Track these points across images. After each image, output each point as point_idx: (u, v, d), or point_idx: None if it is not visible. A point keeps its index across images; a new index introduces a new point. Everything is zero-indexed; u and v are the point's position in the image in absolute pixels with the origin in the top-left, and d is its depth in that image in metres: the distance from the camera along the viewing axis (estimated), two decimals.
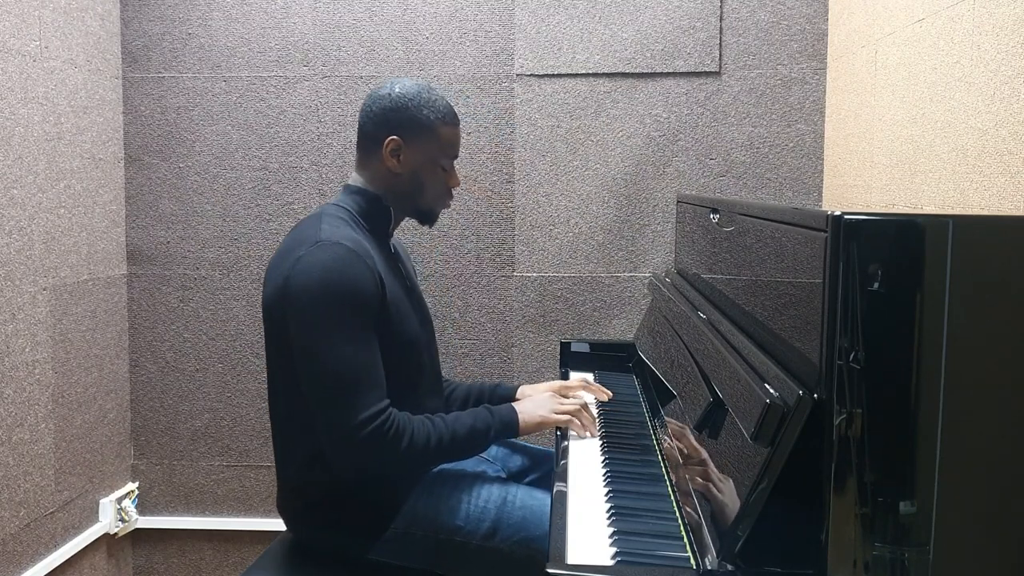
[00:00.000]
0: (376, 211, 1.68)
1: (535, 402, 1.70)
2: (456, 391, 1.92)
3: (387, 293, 1.56)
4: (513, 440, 1.99)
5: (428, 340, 1.76)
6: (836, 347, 1.01)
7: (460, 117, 2.47)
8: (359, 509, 1.59)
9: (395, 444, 1.48)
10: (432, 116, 1.64)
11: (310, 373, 1.49)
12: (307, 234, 1.56)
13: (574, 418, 1.68)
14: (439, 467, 1.71)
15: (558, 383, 1.88)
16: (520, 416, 1.64)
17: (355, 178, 1.70)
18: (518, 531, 1.57)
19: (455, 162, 1.73)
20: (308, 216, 1.67)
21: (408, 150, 1.64)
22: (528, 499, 1.61)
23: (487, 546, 1.57)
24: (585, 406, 1.72)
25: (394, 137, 1.63)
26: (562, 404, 1.70)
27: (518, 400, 1.78)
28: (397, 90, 1.65)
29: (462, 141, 2.48)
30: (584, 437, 1.67)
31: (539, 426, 1.67)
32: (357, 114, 2.50)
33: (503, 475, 1.83)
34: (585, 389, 1.87)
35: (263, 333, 1.65)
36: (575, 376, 2.16)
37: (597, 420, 1.75)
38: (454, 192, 1.75)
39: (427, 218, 1.74)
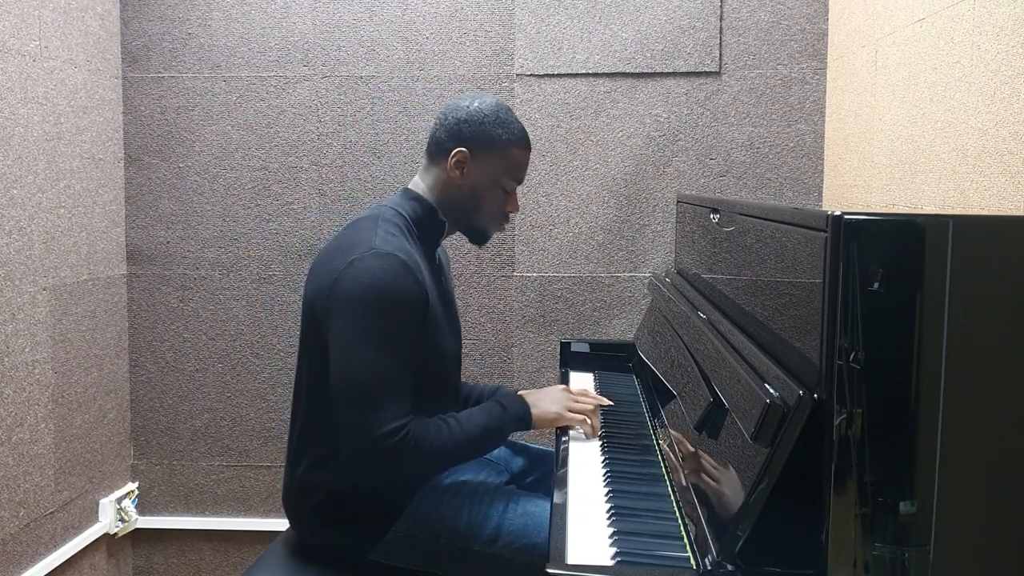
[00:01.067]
0: (430, 221, 1.66)
1: (549, 397, 1.69)
2: (465, 392, 1.92)
3: (430, 307, 1.56)
4: (513, 440, 1.99)
5: (457, 353, 1.77)
6: (836, 347, 1.01)
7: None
8: (362, 510, 1.59)
9: (413, 455, 1.47)
10: (505, 136, 1.63)
11: (340, 376, 1.48)
12: (363, 237, 1.54)
13: (588, 419, 1.68)
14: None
15: (562, 386, 1.88)
16: (534, 410, 1.64)
17: (416, 183, 1.69)
18: (520, 538, 1.56)
19: (518, 188, 1.72)
20: (364, 216, 1.64)
21: (473, 164, 1.63)
22: (530, 506, 1.61)
23: (488, 552, 1.57)
24: (597, 408, 1.72)
25: (462, 149, 1.62)
26: (577, 403, 1.69)
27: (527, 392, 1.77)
28: (476, 104, 1.64)
29: None
30: (591, 438, 1.67)
31: (553, 422, 1.66)
32: (357, 114, 2.52)
33: (507, 476, 1.82)
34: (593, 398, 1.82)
35: (300, 325, 1.64)
36: (575, 376, 2.16)
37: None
38: (510, 217, 1.75)
39: (478, 237, 1.73)
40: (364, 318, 1.47)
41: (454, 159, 1.62)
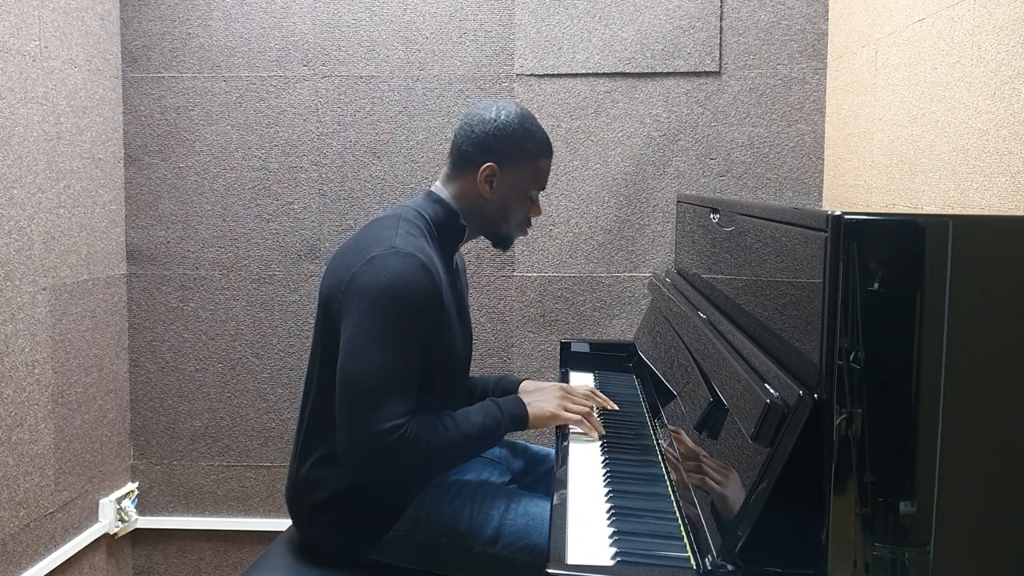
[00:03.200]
0: (452, 226, 1.67)
1: (545, 396, 1.69)
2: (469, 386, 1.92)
3: (445, 309, 1.56)
4: (513, 440, 1.99)
5: (467, 357, 1.77)
6: (836, 347, 1.01)
7: (460, 117, 2.49)
8: (364, 509, 1.59)
9: (409, 453, 1.47)
10: (533, 148, 1.65)
11: (345, 372, 1.48)
12: (383, 235, 1.55)
13: (585, 420, 1.68)
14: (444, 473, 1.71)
15: (560, 384, 1.88)
16: (530, 409, 1.64)
17: (439, 188, 1.69)
18: (520, 538, 1.56)
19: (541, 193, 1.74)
20: (386, 215, 1.65)
21: (502, 178, 1.64)
22: (531, 507, 1.61)
23: (489, 552, 1.57)
24: (592, 409, 1.72)
25: (492, 164, 1.63)
26: (575, 403, 1.69)
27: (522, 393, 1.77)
28: (503, 117, 1.64)
29: None
30: (591, 439, 1.67)
31: (549, 421, 1.66)
32: (357, 114, 2.52)
33: (508, 477, 1.82)
34: (591, 398, 1.81)
35: (315, 321, 1.65)
36: (575, 376, 2.16)
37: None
38: (533, 221, 1.76)
39: (503, 243, 1.74)
40: (378, 315, 1.47)
41: (484, 174, 1.63)
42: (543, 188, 1.72)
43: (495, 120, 1.63)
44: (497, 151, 1.63)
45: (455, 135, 1.67)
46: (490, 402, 1.62)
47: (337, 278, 1.55)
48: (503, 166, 1.63)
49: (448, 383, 1.67)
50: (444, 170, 1.70)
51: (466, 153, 1.65)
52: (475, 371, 2.55)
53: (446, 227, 1.66)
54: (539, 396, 1.69)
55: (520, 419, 1.63)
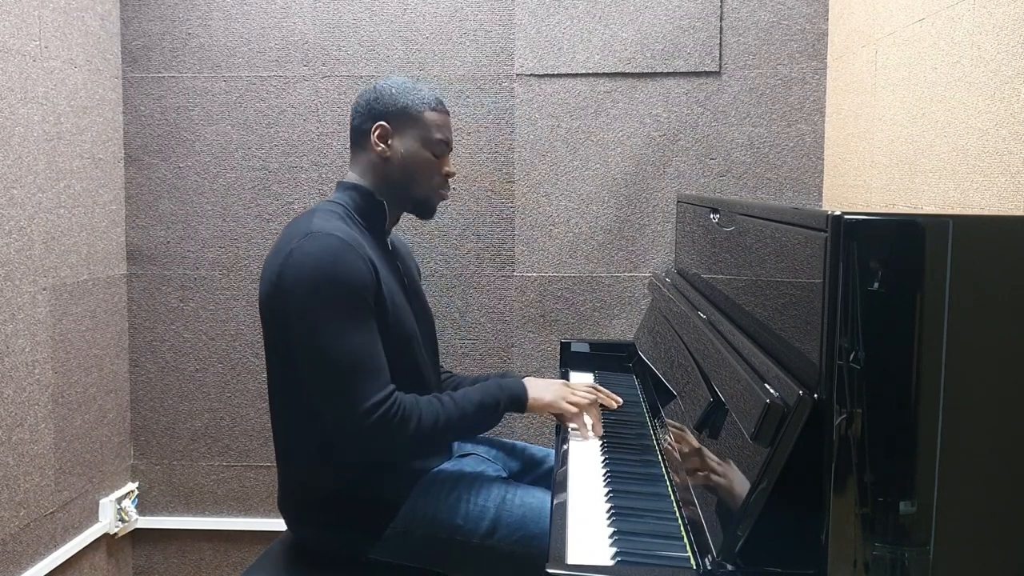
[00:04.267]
0: (370, 206, 1.68)
1: (547, 384, 1.70)
2: (461, 384, 1.92)
3: (382, 286, 1.56)
4: (512, 441, 1.99)
5: (426, 336, 1.76)
6: (836, 347, 1.01)
7: (460, 117, 2.49)
8: (359, 508, 1.59)
9: (403, 428, 1.48)
10: (417, 102, 1.67)
11: (311, 364, 1.49)
12: (298, 228, 1.57)
13: (583, 412, 1.68)
14: (439, 467, 1.71)
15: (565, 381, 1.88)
16: (530, 391, 1.65)
17: (349, 176, 1.72)
18: (518, 529, 1.57)
19: (450, 155, 1.74)
20: (302, 214, 1.67)
21: (396, 136, 1.66)
22: (528, 497, 1.61)
23: (487, 544, 1.57)
24: (594, 403, 1.72)
25: (381, 123, 1.66)
26: (575, 395, 1.70)
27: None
28: (381, 83, 1.69)
29: (463, 141, 2.50)
30: (588, 437, 1.67)
31: (547, 407, 1.67)
32: None
33: (503, 474, 1.83)
34: (593, 392, 1.81)
35: (261, 332, 1.65)
36: (575, 376, 2.16)
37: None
38: (451, 183, 1.76)
39: (423, 210, 1.73)
40: (317, 301, 1.48)
41: (376, 134, 1.66)
42: (448, 144, 1.71)
43: (374, 87, 1.69)
44: (382, 111, 1.66)
45: (349, 122, 1.72)
46: (492, 382, 1.65)
47: (268, 281, 1.56)
48: (393, 124, 1.66)
49: (410, 365, 1.66)
50: (350, 158, 1.73)
51: (357, 126, 1.69)
52: (475, 371, 2.55)
53: (366, 210, 1.68)
54: (541, 383, 1.70)
55: (519, 400, 1.64)
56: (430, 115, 1.67)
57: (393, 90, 1.67)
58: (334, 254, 1.49)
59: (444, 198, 1.75)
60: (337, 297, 1.48)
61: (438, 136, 1.68)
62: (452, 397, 1.57)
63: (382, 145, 1.66)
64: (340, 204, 1.65)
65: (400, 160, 1.67)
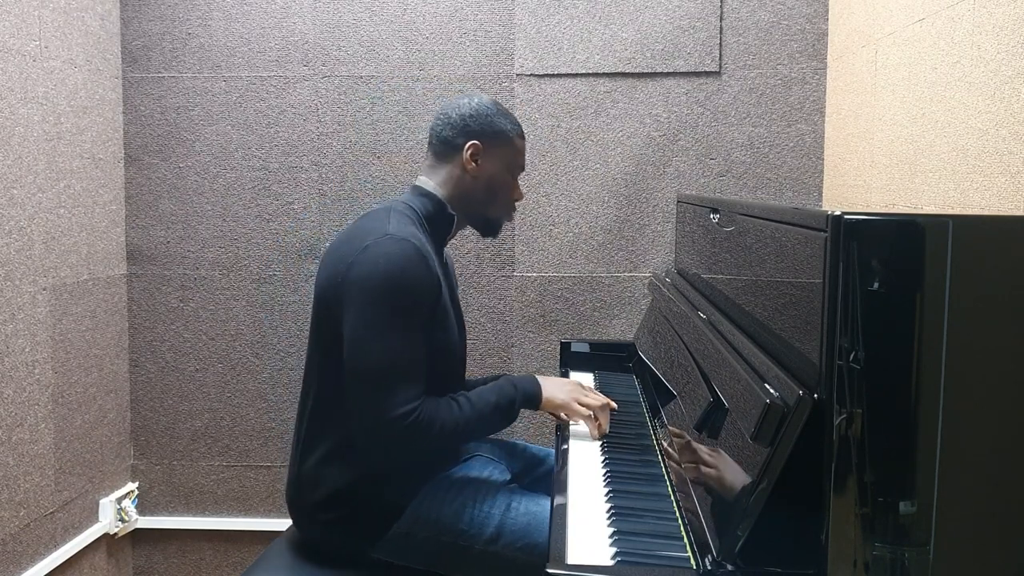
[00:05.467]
0: (440, 216, 1.70)
1: (560, 384, 1.71)
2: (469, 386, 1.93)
3: (441, 297, 1.58)
4: (513, 441, 1.99)
5: (463, 354, 1.79)
6: (836, 347, 1.01)
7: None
8: (365, 507, 1.59)
9: (427, 433, 1.50)
10: (510, 126, 1.71)
11: (355, 360, 1.50)
12: (375, 225, 1.57)
13: (595, 415, 1.68)
14: (446, 472, 1.71)
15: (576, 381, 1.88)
16: (544, 390, 1.66)
17: (424, 180, 1.72)
18: (521, 537, 1.57)
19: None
20: (375, 208, 1.67)
21: (486, 156, 1.69)
22: (532, 506, 1.61)
23: (490, 550, 1.57)
24: (606, 406, 1.72)
25: (475, 142, 1.68)
26: (587, 397, 1.70)
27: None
28: (476, 101, 1.71)
29: None
30: (596, 438, 1.67)
31: (560, 408, 1.68)
32: (357, 114, 2.52)
33: (509, 476, 1.83)
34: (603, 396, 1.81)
35: (311, 318, 1.66)
36: (575, 376, 2.16)
37: None
38: (516, 206, 1.80)
39: (491, 228, 1.78)
40: (379, 302, 1.49)
41: (469, 152, 1.68)
42: (522, 169, 1.77)
43: (471, 104, 1.70)
44: (478, 131, 1.69)
45: (432, 128, 1.73)
46: (506, 381, 1.65)
47: (333, 271, 1.56)
48: (485, 143, 1.69)
49: (446, 379, 1.67)
50: (426, 163, 1.74)
51: (447, 139, 1.70)
52: (475, 371, 2.55)
53: (435, 218, 1.69)
54: (555, 382, 1.71)
55: (533, 398, 1.65)
56: (518, 141, 1.74)
57: (490, 112, 1.70)
58: (408, 261, 1.51)
59: (511, 220, 1.81)
60: (399, 302, 1.50)
61: (520, 161, 1.75)
62: (468, 399, 1.58)
63: (473, 164, 1.68)
64: (413, 209, 1.67)
65: (486, 180, 1.70)
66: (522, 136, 1.75)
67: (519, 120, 1.77)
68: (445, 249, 1.78)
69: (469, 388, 1.90)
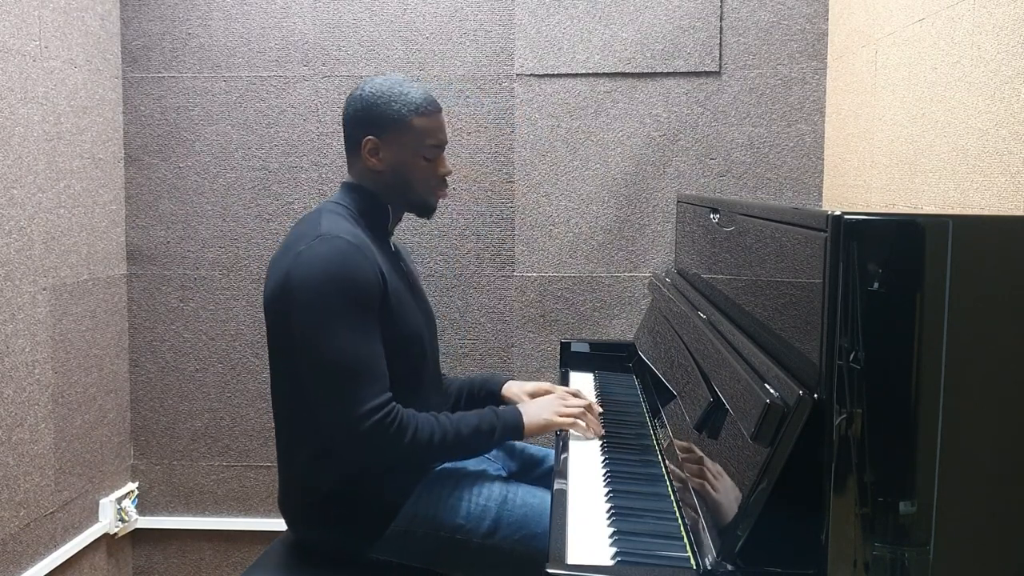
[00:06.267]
0: (373, 207, 1.69)
1: (539, 405, 1.71)
2: (449, 388, 1.93)
3: (388, 287, 1.57)
4: (513, 441, 1.99)
5: (431, 336, 1.77)
6: (836, 347, 1.01)
7: (460, 117, 2.49)
8: (360, 508, 1.59)
9: (398, 437, 1.49)
10: (403, 110, 1.64)
11: (312, 365, 1.50)
12: (307, 229, 1.58)
13: (579, 420, 1.68)
14: (440, 466, 1.71)
15: (547, 384, 1.88)
16: (525, 418, 1.65)
17: (349, 176, 1.73)
18: (519, 529, 1.57)
19: (446, 150, 1.72)
20: (308, 213, 1.68)
21: (385, 148, 1.65)
22: (529, 497, 1.62)
23: (488, 544, 1.57)
24: (590, 406, 1.72)
25: (369, 137, 1.65)
26: (566, 407, 1.70)
27: (518, 401, 1.79)
28: (367, 89, 1.66)
29: (463, 141, 2.50)
30: (590, 438, 1.67)
31: (544, 428, 1.67)
32: None
33: (504, 474, 1.83)
34: (583, 398, 1.81)
35: (265, 332, 1.65)
36: (575, 376, 2.16)
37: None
38: (449, 181, 1.75)
39: (423, 211, 1.74)
40: (323, 303, 1.49)
41: (366, 149, 1.65)
42: (438, 146, 1.69)
43: (360, 95, 1.66)
44: (368, 123, 1.64)
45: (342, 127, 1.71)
46: (489, 409, 1.64)
47: (274, 282, 1.57)
48: (381, 136, 1.64)
49: (416, 364, 1.67)
50: (347, 161, 1.73)
51: (348, 135, 1.69)
52: (475, 371, 2.55)
53: (369, 211, 1.68)
54: (533, 406, 1.70)
55: (516, 429, 1.64)
56: (418, 121, 1.64)
57: (378, 99, 1.63)
58: (343, 257, 1.50)
59: (443, 196, 1.74)
60: (343, 301, 1.49)
61: (429, 141, 1.66)
62: (449, 418, 1.58)
63: (373, 160, 1.66)
64: (344, 206, 1.66)
65: (392, 170, 1.67)
66: (424, 112, 1.64)
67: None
68: (393, 240, 1.77)
69: (449, 387, 1.91)
